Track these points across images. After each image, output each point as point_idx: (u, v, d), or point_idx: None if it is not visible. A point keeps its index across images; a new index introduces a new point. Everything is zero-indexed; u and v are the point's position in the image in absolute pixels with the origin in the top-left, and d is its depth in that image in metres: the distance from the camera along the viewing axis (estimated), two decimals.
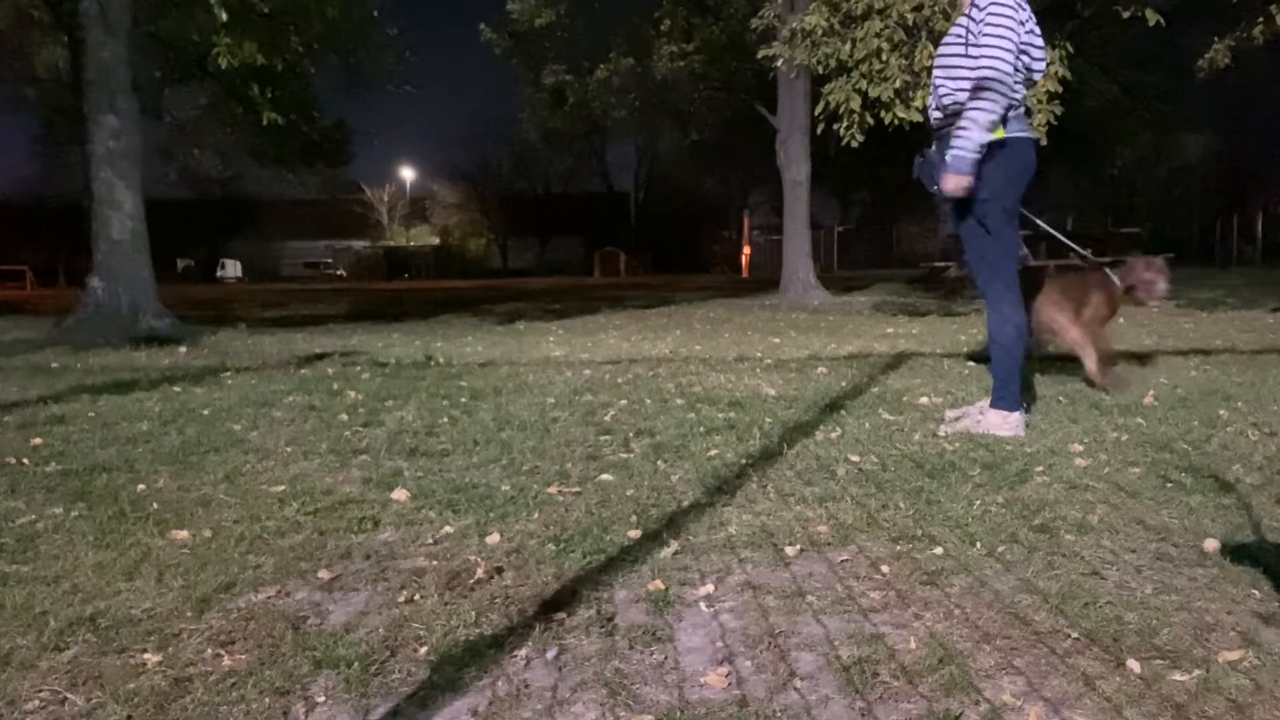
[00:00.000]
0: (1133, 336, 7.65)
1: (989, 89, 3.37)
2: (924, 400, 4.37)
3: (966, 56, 3.48)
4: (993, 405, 3.66)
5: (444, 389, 5.03)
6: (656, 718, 1.52)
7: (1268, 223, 30.72)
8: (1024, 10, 3.48)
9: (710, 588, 2.07)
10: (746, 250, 38.02)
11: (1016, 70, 3.43)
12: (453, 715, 1.55)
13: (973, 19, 3.47)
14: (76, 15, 9.86)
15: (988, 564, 2.19)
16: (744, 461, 3.22)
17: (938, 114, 3.65)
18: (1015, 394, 3.63)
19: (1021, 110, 3.59)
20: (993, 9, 3.42)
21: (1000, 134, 3.52)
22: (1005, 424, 3.60)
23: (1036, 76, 3.61)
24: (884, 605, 1.97)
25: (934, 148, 3.64)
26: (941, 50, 3.66)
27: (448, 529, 2.50)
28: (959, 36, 3.55)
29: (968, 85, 3.44)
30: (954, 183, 3.44)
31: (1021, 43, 3.45)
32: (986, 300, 3.67)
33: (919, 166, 3.70)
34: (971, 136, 3.40)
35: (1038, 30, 3.53)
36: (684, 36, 20.13)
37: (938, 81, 3.64)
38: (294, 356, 6.90)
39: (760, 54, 11.63)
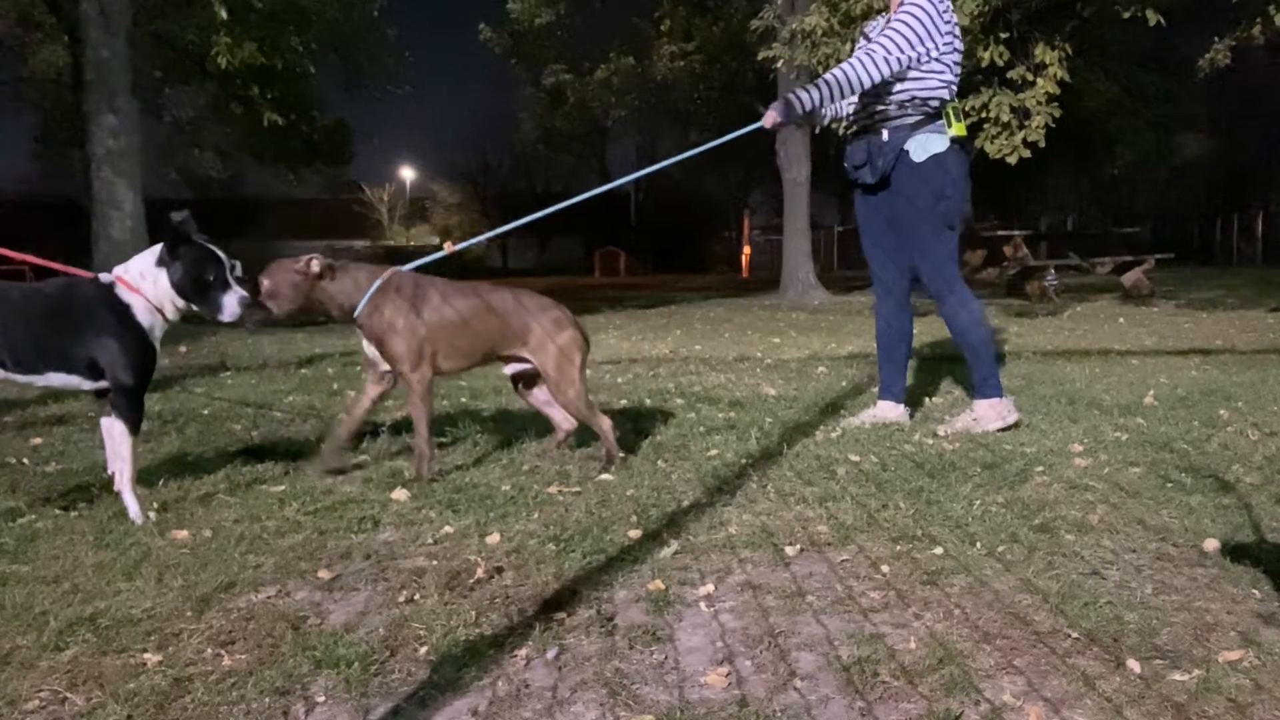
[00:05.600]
0: (1133, 336, 7.65)
1: (855, 70, 3.39)
2: (924, 400, 4.37)
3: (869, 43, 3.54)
4: (980, 397, 3.67)
5: (444, 388, 5.03)
6: (656, 718, 1.52)
7: (1268, 223, 30.69)
8: (944, 18, 3.48)
9: (710, 588, 2.07)
10: (746, 250, 37.98)
11: (896, 69, 3.42)
12: (453, 715, 1.55)
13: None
14: (76, 15, 9.87)
15: (988, 564, 2.19)
16: (744, 461, 3.22)
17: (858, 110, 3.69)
18: (996, 380, 3.68)
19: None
20: (907, 6, 3.46)
21: (963, 130, 3.56)
22: (997, 411, 3.62)
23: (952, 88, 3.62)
24: (884, 605, 1.97)
25: (882, 138, 3.61)
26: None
27: (448, 529, 2.49)
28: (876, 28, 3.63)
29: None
30: (770, 118, 3.47)
31: (942, 48, 3.47)
32: (950, 302, 3.68)
33: (860, 154, 3.66)
34: (816, 93, 3.40)
35: (958, 35, 3.57)
36: (684, 36, 20.18)
37: None
38: (294, 356, 6.90)
39: (760, 55, 11.63)
